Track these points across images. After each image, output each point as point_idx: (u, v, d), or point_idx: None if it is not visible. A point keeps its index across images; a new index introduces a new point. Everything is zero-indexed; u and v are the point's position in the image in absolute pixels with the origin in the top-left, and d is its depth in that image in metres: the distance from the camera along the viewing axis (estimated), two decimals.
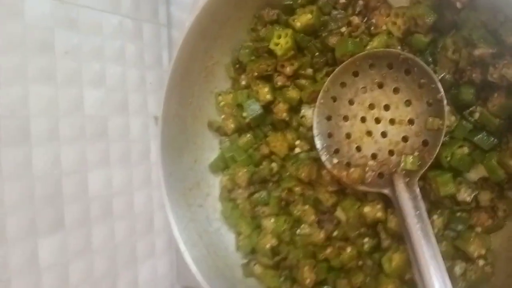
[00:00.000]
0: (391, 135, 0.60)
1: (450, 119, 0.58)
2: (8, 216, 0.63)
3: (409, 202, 0.56)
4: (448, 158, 0.58)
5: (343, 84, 0.62)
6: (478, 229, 0.59)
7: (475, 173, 0.60)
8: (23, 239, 0.65)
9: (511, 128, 0.55)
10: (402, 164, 0.58)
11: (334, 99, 0.63)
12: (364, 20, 0.63)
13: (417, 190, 0.57)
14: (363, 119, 0.62)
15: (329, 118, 0.64)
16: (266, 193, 0.72)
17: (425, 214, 0.55)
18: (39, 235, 0.67)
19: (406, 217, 0.55)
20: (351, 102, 0.62)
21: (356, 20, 0.63)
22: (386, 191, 0.60)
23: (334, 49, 0.63)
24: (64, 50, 0.72)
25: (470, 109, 0.57)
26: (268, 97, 0.68)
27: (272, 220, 0.70)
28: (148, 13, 0.89)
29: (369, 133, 0.61)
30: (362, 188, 0.62)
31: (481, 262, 0.58)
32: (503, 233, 0.59)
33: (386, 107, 0.60)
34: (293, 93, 0.67)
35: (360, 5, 0.63)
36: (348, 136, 0.63)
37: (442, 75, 0.57)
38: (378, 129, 0.61)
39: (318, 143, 0.64)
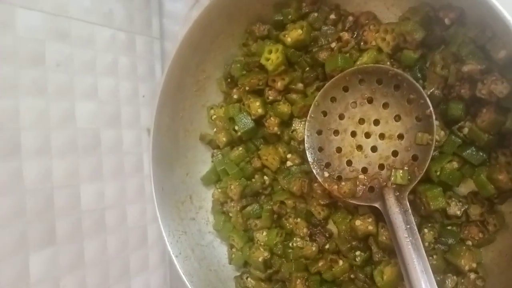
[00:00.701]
0: (381, 150, 0.61)
1: (439, 134, 0.58)
2: None
3: (399, 216, 0.56)
4: (438, 173, 0.59)
5: (333, 99, 0.63)
6: (469, 243, 0.60)
7: (465, 187, 0.61)
8: (14, 254, 0.65)
9: (500, 143, 0.56)
10: (392, 178, 0.58)
11: (325, 113, 0.63)
12: (354, 36, 0.64)
13: (407, 204, 0.57)
14: (353, 134, 0.62)
15: (319, 132, 0.64)
16: (258, 206, 0.72)
17: (415, 228, 0.55)
18: (30, 249, 0.67)
19: (396, 231, 0.55)
20: (341, 117, 0.63)
21: (346, 35, 0.64)
22: (376, 204, 0.60)
23: (324, 64, 0.64)
24: (56, 62, 0.72)
25: (459, 124, 0.58)
26: (260, 111, 0.68)
27: (265, 233, 0.71)
28: (141, 25, 0.89)
29: (359, 147, 0.62)
30: (353, 201, 0.62)
31: (472, 276, 0.59)
32: (494, 247, 0.60)
33: (376, 122, 0.61)
34: (284, 108, 0.67)
35: (350, 21, 0.64)
36: (338, 150, 0.63)
37: (431, 90, 0.58)
38: (368, 143, 0.61)
39: (310, 157, 0.64)
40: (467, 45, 0.54)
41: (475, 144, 0.57)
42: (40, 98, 0.70)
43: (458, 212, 0.59)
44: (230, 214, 0.73)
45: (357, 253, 0.65)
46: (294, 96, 0.67)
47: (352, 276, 0.66)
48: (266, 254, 0.69)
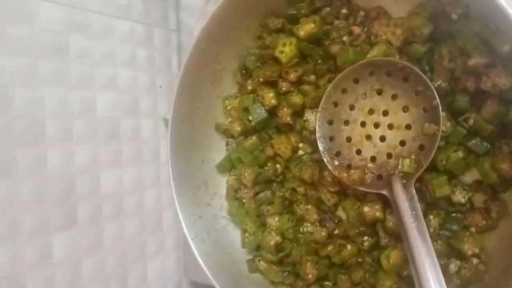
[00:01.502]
0: (389, 139, 0.63)
1: (445, 125, 0.60)
2: (22, 213, 0.66)
3: (405, 202, 0.58)
4: (444, 162, 0.61)
5: (344, 90, 0.65)
6: (472, 229, 0.62)
7: (470, 176, 0.63)
8: (37, 236, 0.68)
9: (503, 134, 0.58)
10: (399, 167, 0.61)
11: (336, 104, 0.66)
12: (365, 30, 0.66)
13: (414, 191, 0.60)
14: (363, 124, 0.65)
15: (330, 123, 0.67)
16: (271, 192, 0.75)
17: (420, 214, 0.57)
18: (52, 232, 0.70)
19: (403, 216, 0.58)
20: (351, 108, 0.65)
21: (357, 29, 0.65)
22: (384, 192, 0.62)
23: (336, 57, 0.66)
24: (78, 53, 0.75)
25: (465, 115, 0.60)
26: (273, 101, 0.71)
27: (276, 218, 0.73)
28: (158, 18, 0.92)
29: (368, 137, 0.64)
30: (362, 189, 0.64)
31: (474, 260, 0.61)
32: (496, 234, 0.62)
33: (385, 113, 0.63)
34: (296, 98, 0.70)
35: (361, 15, 0.66)
36: (348, 139, 0.66)
37: (438, 83, 0.60)
38: (377, 133, 0.64)
39: (321, 146, 0.67)
40: (472, 39, 0.56)
41: (480, 134, 0.59)
42: (63, 88, 0.73)
43: (463, 200, 0.61)
44: (244, 200, 0.76)
45: (365, 238, 0.67)
46: (306, 87, 0.69)
47: (359, 260, 0.68)
48: (277, 238, 0.71)
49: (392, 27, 0.63)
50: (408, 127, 0.61)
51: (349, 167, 0.65)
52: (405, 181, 0.60)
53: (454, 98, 0.60)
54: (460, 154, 0.60)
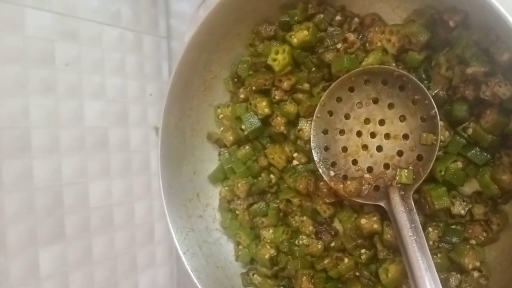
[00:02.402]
0: (386, 149, 0.61)
1: (444, 135, 0.59)
2: (9, 226, 0.64)
3: (404, 214, 0.57)
4: (442, 172, 0.59)
5: (339, 99, 0.63)
6: (473, 242, 0.61)
7: (469, 187, 0.61)
8: (24, 249, 0.66)
9: (503, 144, 0.57)
10: (397, 178, 0.59)
11: (331, 113, 0.64)
12: (359, 37, 0.65)
13: (412, 203, 0.58)
14: (359, 133, 0.63)
15: (325, 132, 0.65)
16: (265, 204, 0.73)
17: (420, 227, 0.56)
18: (39, 245, 0.68)
19: (401, 229, 0.56)
20: (347, 117, 0.63)
21: (351, 37, 0.64)
22: (382, 203, 0.61)
23: (330, 65, 0.65)
24: (65, 62, 0.73)
25: (463, 125, 0.59)
26: (267, 110, 0.69)
27: (271, 231, 0.72)
28: (148, 25, 0.90)
29: (365, 147, 0.63)
30: (359, 200, 0.63)
31: (475, 274, 0.59)
32: (497, 246, 0.61)
33: (381, 122, 0.61)
34: (290, 107, 0.68)
35: (355, 22, 0.64)
36: (344, 149, 0.64)
37: (435, 91, 0.59)
38: (373, 143, 0.62)
39: (316, 156, 0.65)
40: (471, 47, 0.54)
41: (479, 144, 0.58)
42: (50, 97, 0.71)
43: (462, 212, 0.60)
44: (237, 212, 0.74)
45: (362, 251, 0.66)
46: (300, 96, 0.68)
47: (357, 273, 0.67)
48: (272, 251, 0.70)
49: (387, 34, 0.62)
50: (405, 137, 0.60)
51: (345, 177, 0.64)
52: (403, 192, 0.59)
53: (452, 107, 0.58)
54: (459, 164, 0.59)
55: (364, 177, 0.63)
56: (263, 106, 0.69)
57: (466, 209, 0.60)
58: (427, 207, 0.60)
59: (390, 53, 0.61)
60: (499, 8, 0.47)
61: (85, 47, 0.77)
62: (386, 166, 0.61)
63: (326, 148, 0.65)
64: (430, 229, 0.61)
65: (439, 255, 0.60)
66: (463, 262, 0.59)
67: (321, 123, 0.65)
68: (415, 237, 0.55)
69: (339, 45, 0.65)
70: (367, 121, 0.62)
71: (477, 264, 0.59)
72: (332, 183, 0.64)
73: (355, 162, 0.64)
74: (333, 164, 0.65)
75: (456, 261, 0.60)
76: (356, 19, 0.65)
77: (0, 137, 0.63)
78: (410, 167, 0.59)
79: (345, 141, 0.64)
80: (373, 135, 0.62)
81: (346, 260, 0.67)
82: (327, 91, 0.64)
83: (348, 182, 0.63)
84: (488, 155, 0.58)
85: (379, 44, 0.62)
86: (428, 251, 0.54)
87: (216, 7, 0.63)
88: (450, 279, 0.60)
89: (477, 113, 0.57)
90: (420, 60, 0.59)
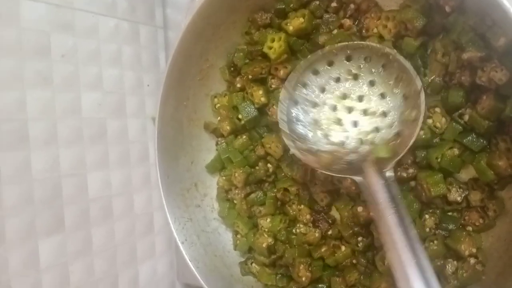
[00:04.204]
0: (362, 125, 0.60)
1: (440, 121, 0.59)
2: (8, 218, 0.64)
3: (380, 187, 0.53)
4: (439, 159, 0.59)
5: (315, 72, 0.62)
6: (469, 229, 0.60)
7: (466, 174, 0.61)
8: (23, 241, 0.66)
9: (499, 130, 0.56)
10: (372, 153, 0.58)
11: (304, 84, 0.62)
12: (356, 23, 0.64)
13: (390, 175, 0.55)
14: (333, 108, 0.62)
15: (296, 103, 0.63)
16: (262, 193, 0.73)
17: (399, 198, 0.52)
18: (39, 237, 0.68)
19: (377, 203, 0.52)
20: (322, 90, 0.62)
21: (347, 22, 0.64)
22: (358, 178, 0.57)
23: (324, 45, 0.63)
24: (61, 53, 0.73)
25: (460, 111, 0.58)
26: (263, 99, 0.69)
27: (268, 219, 0.72)
28: (144, 15, 0.89)
29: (338, 121, 0.61)
30: (332, 174, 0.61)
31: (472, 261, 0.59)
32: (493, 233, 0.61)
33: (360, 98, 0.60)
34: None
35: (351, 9, 0.64)
36: (315, 122, 0.62)
37: (432, 78, 0.58)
38: (349, 118, 0.61)
39: (284, 127, 0.62)
40: (467, 33, 0.54)
41: (476, 130, 0.57)
42: (46, 89, 0.71)
43: (459, 198, 0.59)
44: (235, 201, 0.74)
45: (359, 238, 0.66)
46: None
47: (354, 261, 0.67)
48: (270, 240, 0.70)
49: (383, 21, 0.61)
50: (384, 114, 0.59)
51: (316, 151, 0.61)
52: (379, 166, 0.56)
53: (448, 94, 0.58)
54: (456, 151, 0.59)
55: (337, 150, 0.60)
56: (259, 95, 0.69)
57: (463, 195, 0.59)
58: (424, 194, 0.60)
59: (386, 39, 0.61)
60: None
61: (81, 38, 0.76)
62: (361, 141, 0.60)
63: (297, 120, 0.62)
64: (426, 216, 0.61)
65: (435, 242, 0.60)
66: (460, 249, 0.59)
67: (292, 93, 0.62)
68: (394, 209, 0.50)
69: (335, 31, 0.64)
70: (344, 96, 0.61)
71: (474, 250, 0.59)
72: (302, 156, 0.61)
73: (326, 135, 0.61)
74: (303, 137, 0.62)
75: (453, 247, 0.60)
76: (352, 6, 0.64)
77: None
78: (387, 142, 0.58)
79: (317, 114, 0.62)
80: (349, 110, 0.61)
81: (343, 248, 0.67)
82: (303, 60, 0.62)
83: (319, 155, 0.60)
84: (485, 141, 0.57)
85: (375, 30, 0.62)
86: (410, 221, 0.50)
87: None
88: (447, 266, 0.60)
89: (474, 99, 0.57)
90: (416, 46, 0.58)
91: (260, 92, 0.69)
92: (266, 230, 0.71)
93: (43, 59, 0.70)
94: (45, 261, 0.69)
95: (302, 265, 0.67)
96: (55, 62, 0.72)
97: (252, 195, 0.73)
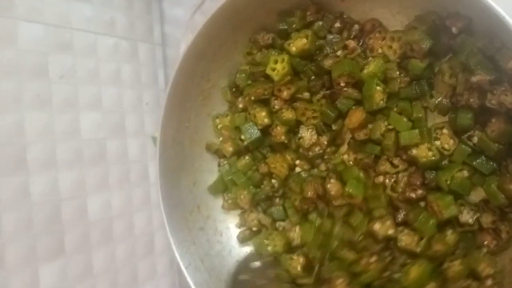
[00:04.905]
0: None
1: (448, 143, 0.58)
2: (7, 244, 0.63)
3: None
4: (448, 182, 0.58)
5: None
6: (484, 250, 0.59)
7: (476, 196, 0.60)
8: (24, 266, 0.65)
9: (510, 153, 0.55)
10: None
11: None
12: (360, 44, 0.63)
13: None
14: None
15: None
16: (280, 207, 0.71)
17: None
18: (39, 262, 0.68)
19: None
20: None
21: (352, 43, 0.63)
22: None
23: (330, 71, 0.63)
24: (59, 74, 0.72)
25: (469, 133, 0.57)
26: (266, 121, 0.68)
27: (297, 230, 0.69)
28: (142, 33, 0.89)
29: None
30: None
31: (489, 282, 0.57)
32: (509, 254, 0.59)
33: None
34: (289, 114, 0.67)
35: (355, 29, 0.63)
36: None
37: (439, 99, 0.57)
38: None
39: None
40: (476, 55, 0.53)
41: (485, 153, 0.56)
42: (45, 111, 0.70)
43: (470, 220, 0.58)
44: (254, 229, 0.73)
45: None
46: (300, 105, 0.66)
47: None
48: (301, 260, 0.66)
49: (388, 41, 0.60)
50: None
51: None
52: None
53: (457, 115, 0.57)
54: (465, 173, 0.57)
55: None
56: (262, 117, 0.68)
57: (474, 217, 0.58)
58: (435, 216, 0.59)
59: (391, 60, 0.60)
60: (503, 15, 0.45)
61: (80, 58, 0.76)
62: None
63: None
64: (449, 232, 0.59)
65: (457, 261, 0.58)
66: (478, 269, 0.57)
67: None
68: None
69: (339, 52, 0.64)
70: None
71: (491, 272, 0.57)
72: None
73: None
74: None
75: (471, 267, 0.58)
76: (356, 26, 0.63)
77: None
78: None
79: None
80: None
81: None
82: None
83: None
84: (495, 164, 0.56)
85: (380, 51, 0.61)
86: None
87: (213, 16, 0.61)
88: None
89: (483, 121, 0.56)
90: (423, 67, 0.57)
91: (263, 113, 0.68)
92: (299, 241, 0.69)
93: (41, 80, 0.69)
94: (46, 286, 0.69)
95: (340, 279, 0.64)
96: (54, 82, 0.71)
97: (272, 209, 0.72)
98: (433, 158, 0.58)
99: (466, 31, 0.54)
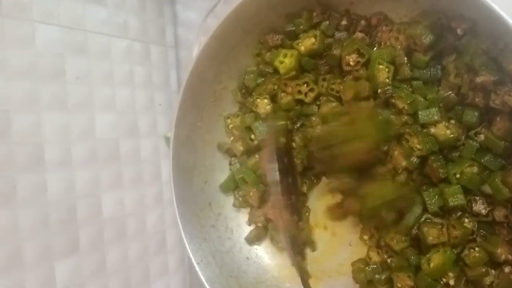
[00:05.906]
0: None
1: (458, 132, 0.58)
2: (24, 241, 0.65)
3: None
4: (458, 175, 0.59)
5: None
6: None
7: (488, 189, 0.59)
8: (40, 263, 0.67)
9: None
10: None
11: None
12: (368, 37, 0.64)
13: None
14: None
15: None
16: None
17: None
18: (55, 259, 0.69)
19: None
20: None
21: (360, 34, 0.64)
22: None
23: (341, 58, 0.64)
24: (75, 75, 0.73)
25: (475, 130, 0.58)
26: (268, 108, 0.69)
27: None
28: (155, 35, 0.90)
29: None
30: None
31: (507, 269, 0.58)
32: None
33: None
34: (287, 98, 0.68)
35: (362, 25, 0.64)
36: None
37: (447, 93, 0.58)
38: None
39: None
40: (480, 56, 0.54)
41: (493, 151, 0.57)
42: (61, 111, 0.71)
43: (483, 211, 0.59)
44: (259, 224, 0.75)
45: None
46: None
47: None
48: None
49: (395, 33, 0.61)
50: None
51: None
52: None
53: (463, 113, 0.58)
54: (475, 169, 0.58)
55: None
56: (264, 104, 0.69)
57: (487, 209, 0.58)
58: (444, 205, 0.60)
59: (398, 49, 0.61)
60: (506, 18, 0.47)
61: (94, 60, 0.77)
62: None
63: None
64: (466, 220, 0.60)
65: (476, 249, 0.59)
66: (496, 252, 0.57)
67: None
68: None
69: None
70: None
71: (510, 257, 0.57)
72: None
73: None
74: None
75: (490, 250, 0.58)
76: (363, 22, 0.64)
77: (14, 153, 0.64)
78: None
79: None
80: None
81: None
82: None
83: None
84: (503, 161, 0.57)
85: (388, 43, 0.62)
86: None
87: (226, 20, 0.63)
88: (485, 278, 0.58)
89: (488, 119, 0.56)
90: (426, 61, 0.58)
91: (265, 101, 0.69)
92: None
93: (58, 81, 0.71)
94: (61, 283, 0.70)
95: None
96: (70, 84, 0.72)
97: None
98: (452, 136, 0.59)
99: (470, 32, 0.55)
